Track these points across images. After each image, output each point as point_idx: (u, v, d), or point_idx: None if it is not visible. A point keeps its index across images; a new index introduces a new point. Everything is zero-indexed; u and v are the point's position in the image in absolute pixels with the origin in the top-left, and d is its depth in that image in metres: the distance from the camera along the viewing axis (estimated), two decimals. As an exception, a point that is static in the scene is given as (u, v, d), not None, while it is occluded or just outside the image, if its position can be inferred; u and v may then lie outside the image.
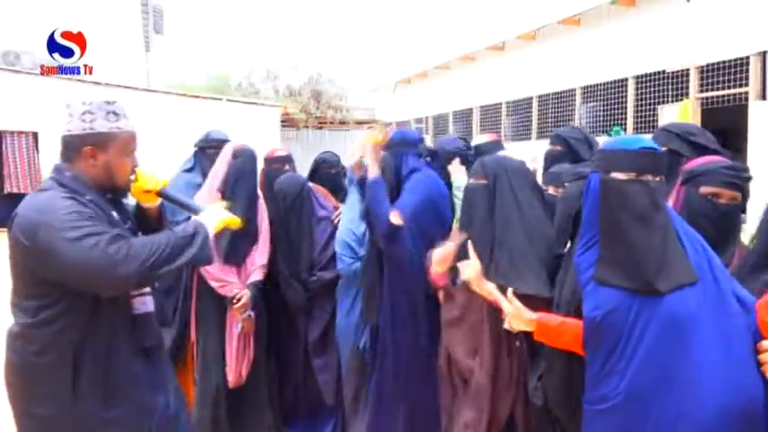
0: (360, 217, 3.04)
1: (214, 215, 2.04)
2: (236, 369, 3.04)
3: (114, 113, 1.92)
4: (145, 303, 2.00)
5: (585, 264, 1.68)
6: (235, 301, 2.97)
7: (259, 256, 3.13)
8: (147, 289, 2.02)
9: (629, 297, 1.57)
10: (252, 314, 3.04)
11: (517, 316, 1.95)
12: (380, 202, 2.71)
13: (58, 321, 1.80)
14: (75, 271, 1.73)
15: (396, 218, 2.65)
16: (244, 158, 3.10)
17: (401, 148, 2.90)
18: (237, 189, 3.04)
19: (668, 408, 1.52)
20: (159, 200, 2.13)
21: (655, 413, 1.53)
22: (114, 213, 1.96)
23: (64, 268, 1.74)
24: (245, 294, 3.00)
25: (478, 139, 3.30)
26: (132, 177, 2.02)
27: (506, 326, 2.01)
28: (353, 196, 3.12)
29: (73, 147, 1.90)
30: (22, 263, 1.82)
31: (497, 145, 3.12)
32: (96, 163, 1.90)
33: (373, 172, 2.74)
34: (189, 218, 3.14)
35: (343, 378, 3.19)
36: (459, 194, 3.05)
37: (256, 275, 3.09)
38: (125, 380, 1.89)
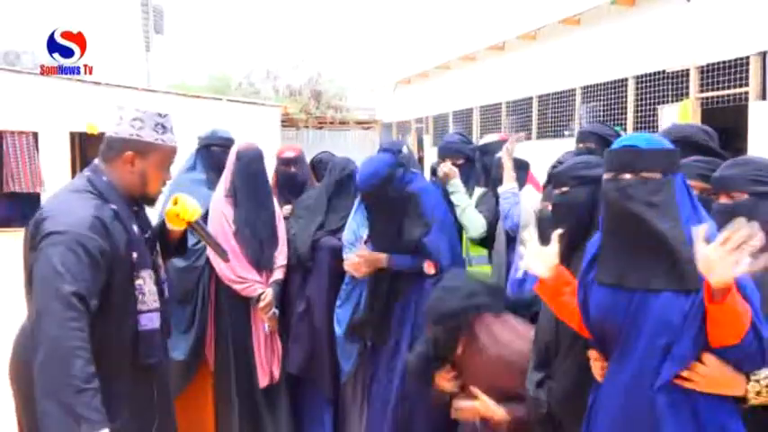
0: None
1: None
2: (266, 369, 3.03)
3: (162, 126, 1.98)
4: (151, 320, 1.98)
5: (590, 263, 1.70)
6: (261, 299, 2.98)
7: (279, 256, 3.12)
8: (156, 304, 2.00)
9: (622, 296, 1.57)
10: (277, 312, 3.06)
11: (540, 254, 1.80)
12: (410, 267, 2.83)
13: None
14: (35, 285, 1.72)
15: (430, 268, 2.80)
16: (248, 160, 3.05)
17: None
18: (244, 192, 3.02)
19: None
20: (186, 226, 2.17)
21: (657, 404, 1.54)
22: (135, 227, 1.96)
23: (34, 271, 1.73)
24: (269, 293, 3.01)
25: (487, 138, 3.30)
26: (173, 204, 2.09)
27: (522, 263, 1.85)
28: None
29: (116, 148, 1.94)
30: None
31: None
32: (133, 169, 1.95)
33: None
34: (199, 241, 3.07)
35: (341, 382, 3.15)
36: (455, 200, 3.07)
37: (278, 274, 3.09)
38: (125, 390, 1.88)
